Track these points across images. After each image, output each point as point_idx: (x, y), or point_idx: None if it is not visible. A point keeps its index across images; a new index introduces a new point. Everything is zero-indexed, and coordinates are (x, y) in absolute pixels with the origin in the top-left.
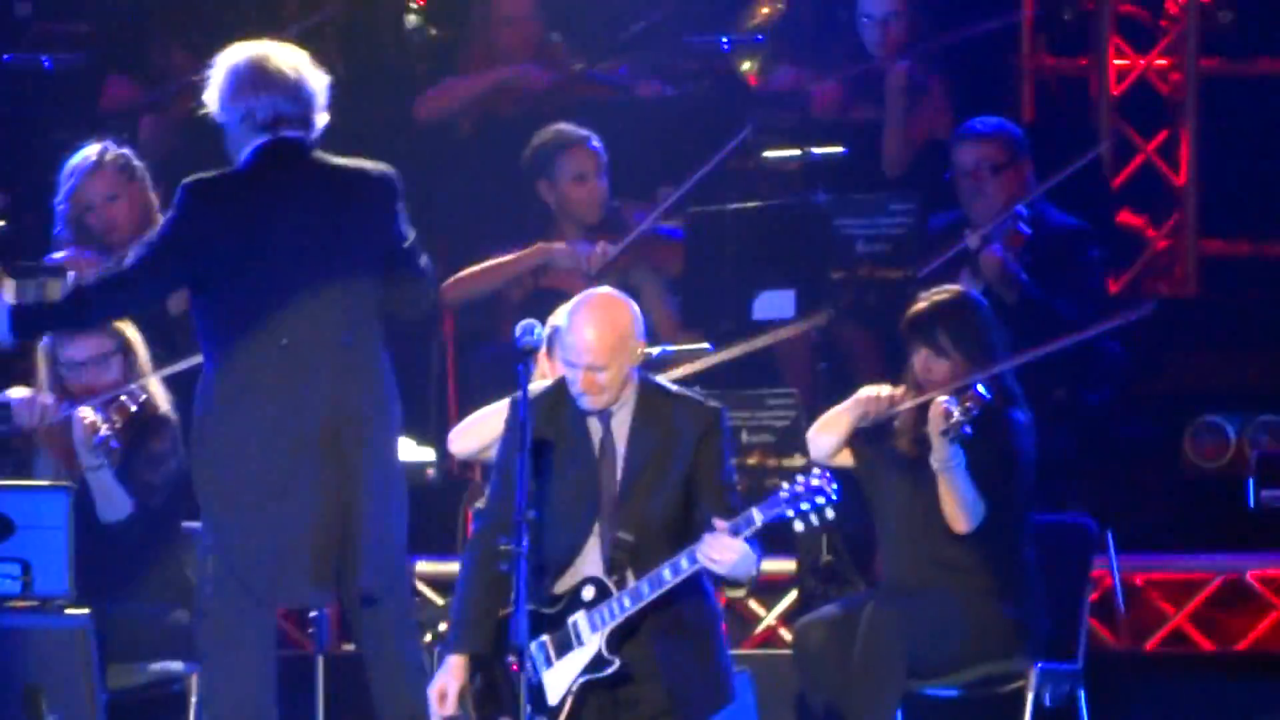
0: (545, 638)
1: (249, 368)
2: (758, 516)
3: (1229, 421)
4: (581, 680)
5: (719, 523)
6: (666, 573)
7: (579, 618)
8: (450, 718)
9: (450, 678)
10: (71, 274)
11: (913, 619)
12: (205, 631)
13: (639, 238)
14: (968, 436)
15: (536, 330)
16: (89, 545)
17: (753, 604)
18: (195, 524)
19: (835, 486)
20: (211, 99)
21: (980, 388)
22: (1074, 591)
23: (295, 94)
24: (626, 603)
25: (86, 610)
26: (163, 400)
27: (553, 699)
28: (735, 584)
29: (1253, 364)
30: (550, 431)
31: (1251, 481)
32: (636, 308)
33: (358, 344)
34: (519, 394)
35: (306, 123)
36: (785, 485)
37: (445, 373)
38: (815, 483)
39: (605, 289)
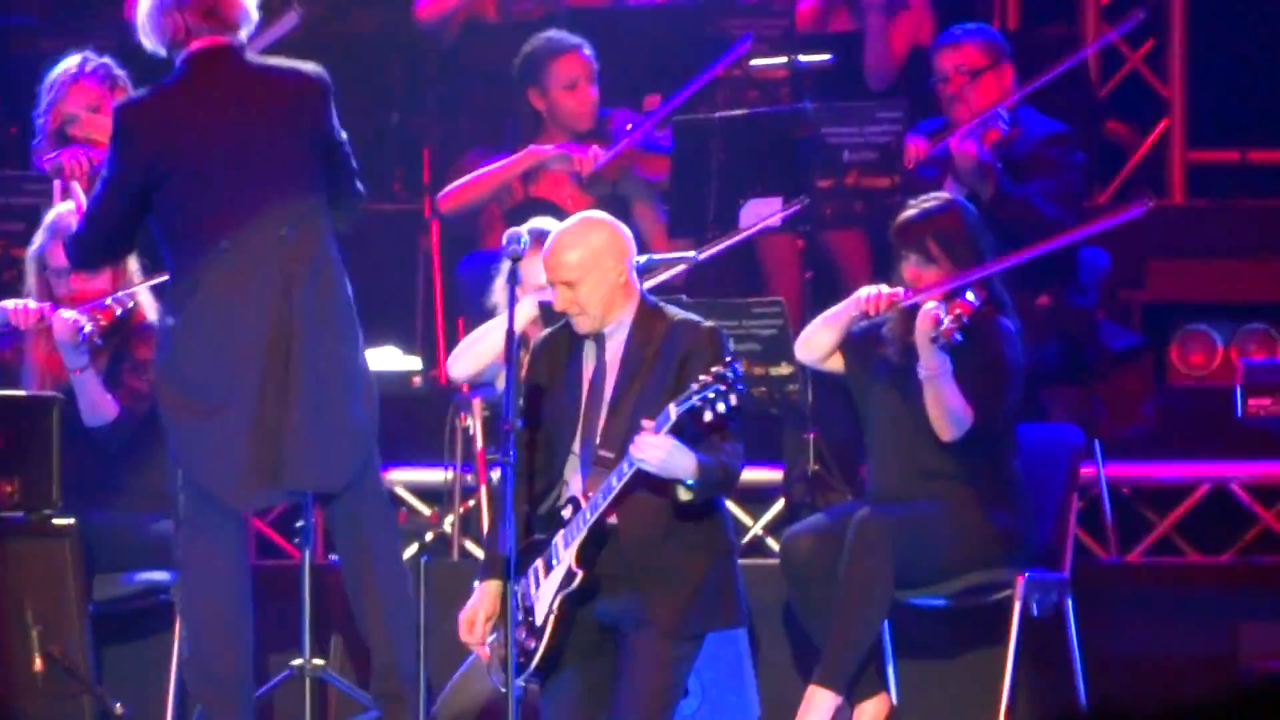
0: (538, 560)
1: (195, 275)
2: (673, 411)
3: (1216, 330)
4: (558, 596)
5: (645, 421)
6: (613, 480)
7: (558, 537)
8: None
9: (480, 604)
10: (58, 185)
11: (900, 528)
12: (179, 540)
13: (630, 145)
14: (957, 343)
15: (523, 239)
16: (74, 453)
17: (739, 513)
18: None
19: (737, 373)
20: (145, 38)
21: (969, 294)
22: (1061, 500)
23: (207, 6)
24: (587, 515)
25: (72, 520)
26: (150, 309)
27: (538, 619)
28: (683, 487)
29: (1241, 272)
30: (551, 362)
31: (1239, 390)
32: (624, 229)
33: (300, 238)
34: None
35: (231, 25)
36: (701, 377)
37: (431, 282)
38: (720, 370)
39: (591, 211)
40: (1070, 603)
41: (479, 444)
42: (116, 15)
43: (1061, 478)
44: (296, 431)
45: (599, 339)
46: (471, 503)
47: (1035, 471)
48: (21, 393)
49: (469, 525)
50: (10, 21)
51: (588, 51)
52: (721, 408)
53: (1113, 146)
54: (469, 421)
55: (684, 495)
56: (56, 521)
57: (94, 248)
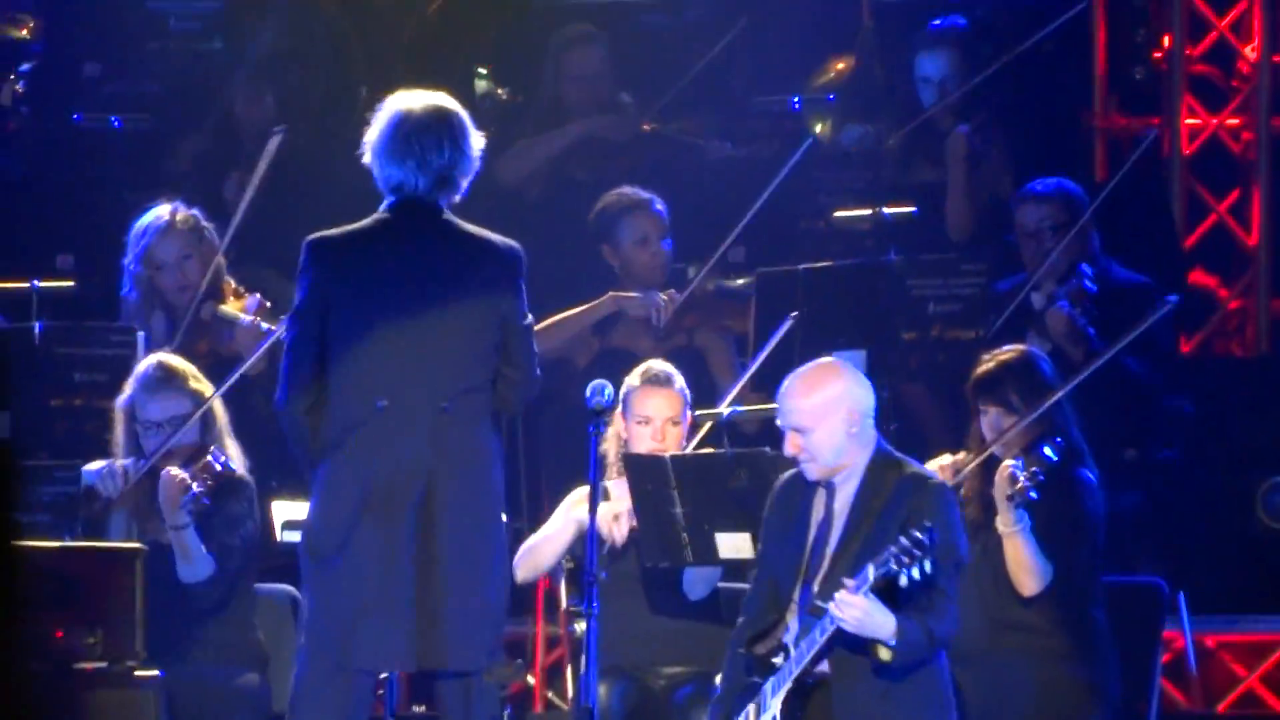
0: (750, 705)
1: (348, 425)
2: (870, 571)
3: None
4: None
5: (845, 580)
6: (816, 633)
7: (768, 685)
8: None
9: None
10: (142, 336)
11: (981, 683)
12: (293, 688)
13: (705, 294)
14: (1034, 500)
15: (607, 390)
16: (164, 607)
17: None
18: (267, 585)
19: (934, 540)
20: (368, 145)
21: (1046, 449)
22: (1145, 653)
23: (436, 162)
24: (793, 666)
25: (156, 672)
26: (239, 463)
27: None
28: (884, 647)
29: None
30: (785, 506)
31: None
32: (860, 379)
33: (458, 413)
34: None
35: (446, 185)
36: (896, 542)
37: (514, 435)
38: (918, 535)
39: (827, 359)
40: None
41: (563, 596)
42: (195, 170)
43: (1146, 630)
44: (435, 608)
45: (829, 486)
46: (556, 655)
47: (1120, 623)
48: (106, 544)
49: (553, 678)
50: (95, 172)
51: (659, 207)
52: (916, 574)
53: (1198, 298)
54: (554, 574)
55: (884, 655)
56: (139, 673)
57: (293, 382)
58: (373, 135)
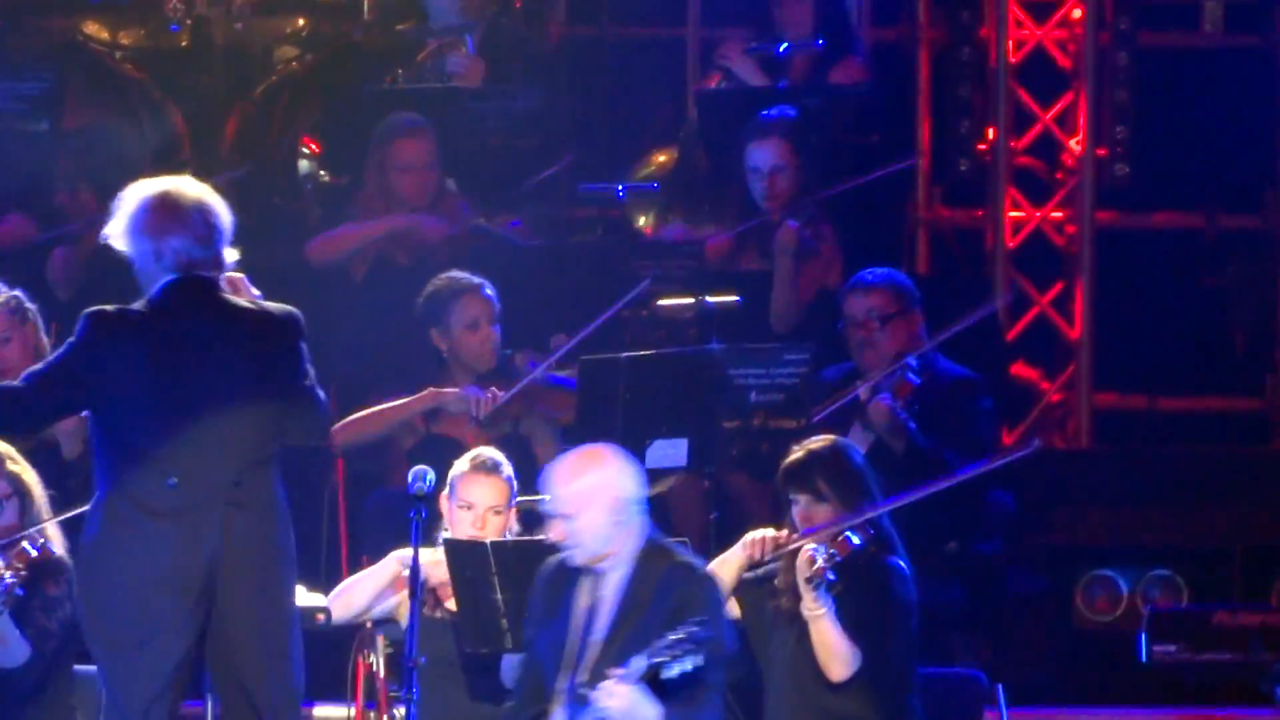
0: None
1: (135, 502)
2: (637, 663)
3: (1121, 576)
4: None
5: (611, 670)
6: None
7: None
8: None
9: None
10: None
11: None
12: None
13: (530, 384)
14: (833, 583)
15: (429, 476)
16: None
17: None
18: (85, 667)
19: (704, 636)
20: (116, 232)
21: (852, 535)
22: None
23: (203, 235)
24: None
25: None
26: (59, 544)
27: None
28: None
29: (1145, 518)
30: (550, 592)
31: (1143, 636)
32: (628, 465)
33: (248, 487)
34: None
35: (215, 262)
36: (664, 635)
37: (336, 517)
38: (693, 629)
39: (598, 445)
40: None
41: (381, 681)
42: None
43: None
44: (239, 684)
45: (597, 573)
46: None
47: (938, 715)
48: None
49: None
50: None
51: (489, 291)
52: (686, 666)
53: (1021, 390)
54: (372, 658)
55: None
56: None
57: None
58: (125, 220)
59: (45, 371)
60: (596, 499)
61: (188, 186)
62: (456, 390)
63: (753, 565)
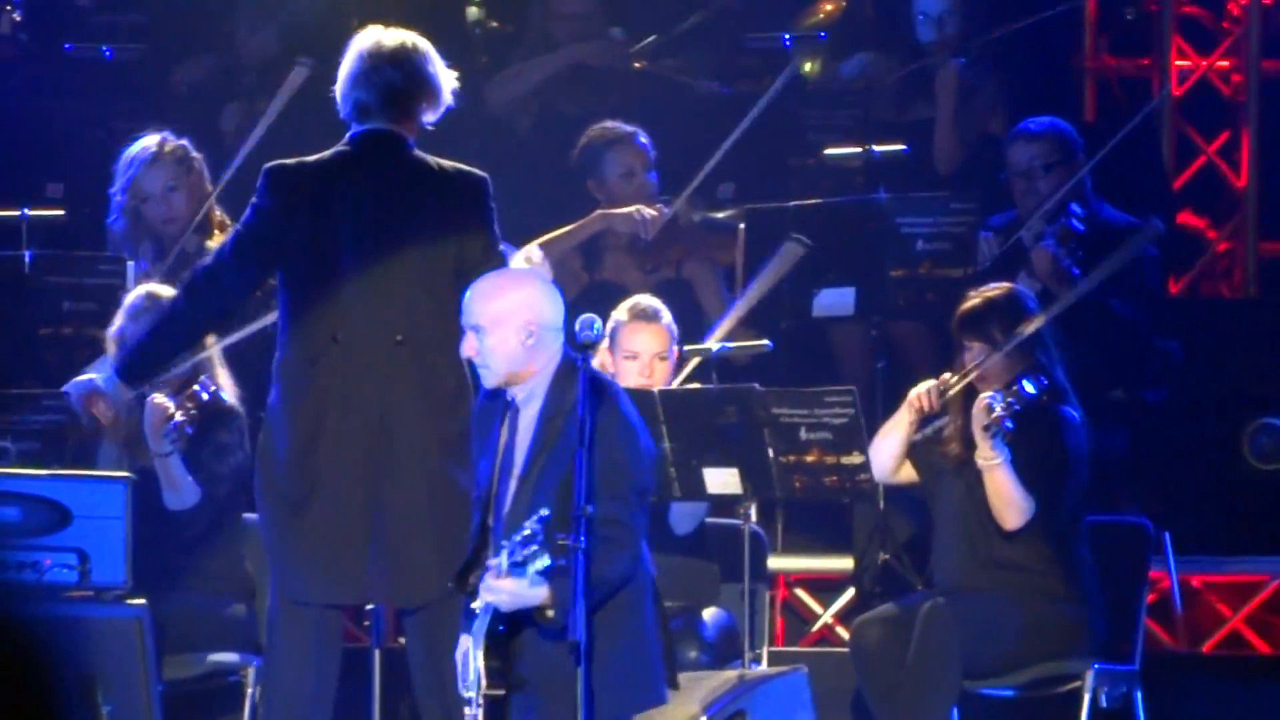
0: (467, 643)
1: (304, 360)
2: (504, 560)
3: None
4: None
5: (490, 561)
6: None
7: (473, 629)
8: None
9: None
10: (131, 265)
11: (968, 619)
12: (269, 623)
13: (691, 218)
14: (1010, 431)
15: (595, 325)
16: (151, 534)
17: (810, 602)
18: (256, 516)
19: (539, 534)
20: (338, 94)
21: (1027, 384)
22: (1131, 593)
23: (398, 91)
24: (481, 623)
25: (143, 601)
26: (230, 392)
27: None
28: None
29: None
30: (480, 428)
31: None
32: (550, 294)
33: (414, 346)
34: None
35: (407, 114)
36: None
37: None
38: (536, 528)
39: (526, 268)
40: (1139, 695)
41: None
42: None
43: (1131, 570)
44: (392, 542)
45: (513, 407)
46: None
47: (1105, 563)
48: (94, 473)
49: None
50: (86, 101)
51: (643, 140)
52: (546, 561)
53: (1186, 239)
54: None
55: (550, 615)
56: (128, 601)
57: (208, 305)
58: (341, 69)
59: (234, 244)
60: (509, 319)
61: (390, 38)
62: (625, 210)
63: (922, 418)
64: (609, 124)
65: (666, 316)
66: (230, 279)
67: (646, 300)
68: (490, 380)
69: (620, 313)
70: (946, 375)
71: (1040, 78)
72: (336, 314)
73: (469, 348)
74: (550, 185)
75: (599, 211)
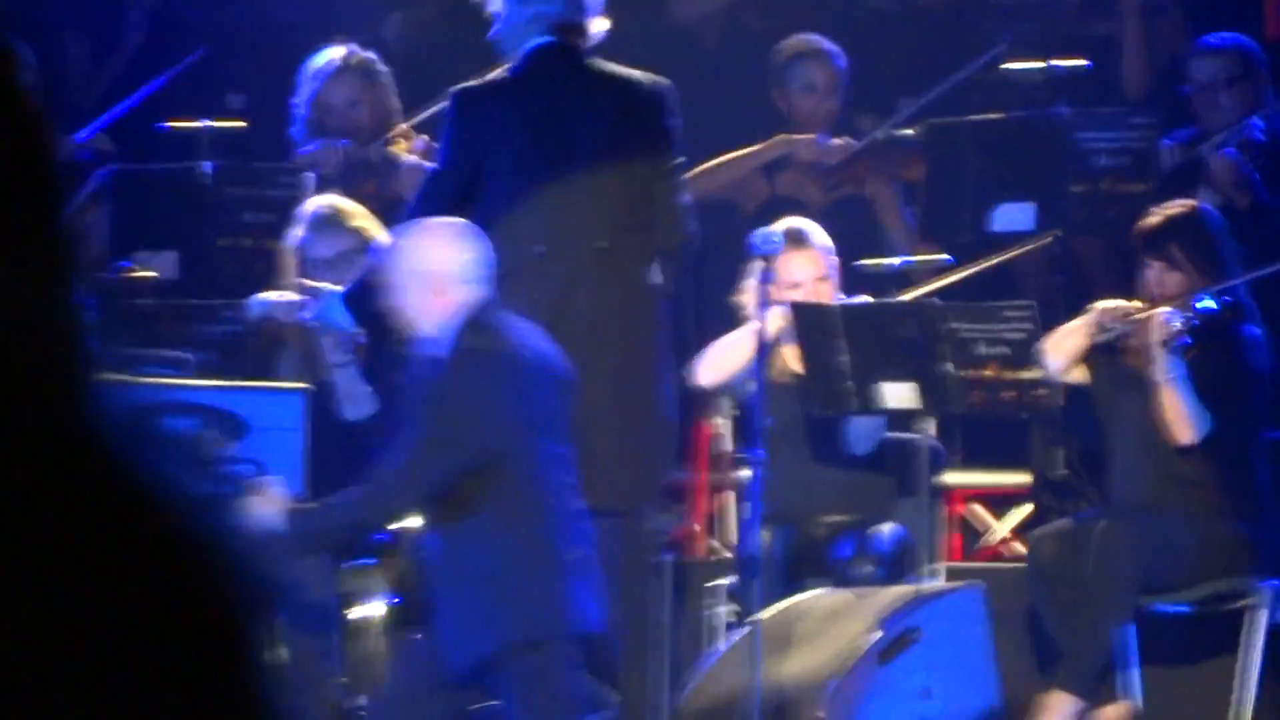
0: None
1: (507, 274)
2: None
3: None
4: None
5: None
6: None
7: None
8: None
9: None
10: (311, 177)
11: (1144, 534)
12: None
13: (875, 141)
14: (1187, 346)
15: (774, 237)
16: (330, 446)
17: (986, 516)
18: None
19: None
20: (495, 11)
21: (1207, 300)
22: None
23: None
24: None
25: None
26: None
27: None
28: None
29: None
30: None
31: None
32: (449, 241)
33: (617, 253)
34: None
35: (582, 29)
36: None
37: (681, 280)
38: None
39: (449, 223)
40: None
41: (727, 443)
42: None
43: None
44: (591, 445)
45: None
46: (719, 502)
47: None
48: (272, 384)
49: (715, 525)
50: (267, 12)
51: (839, 60)
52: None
53: None
54: (719, 420)
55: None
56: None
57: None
58: None
59: (432, 174)
60: (413, 278)
61: None
62: (809, 136)
63: (1101, 331)
64: (806, 36)
65: (819, 237)
66: (439, 211)
67: (795, 224)
68: (408, 330)
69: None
70: (1137, 303)
71: None
72: (536, 226)
73: (389, 300)
74: (736, 101)
75: (781, 136)
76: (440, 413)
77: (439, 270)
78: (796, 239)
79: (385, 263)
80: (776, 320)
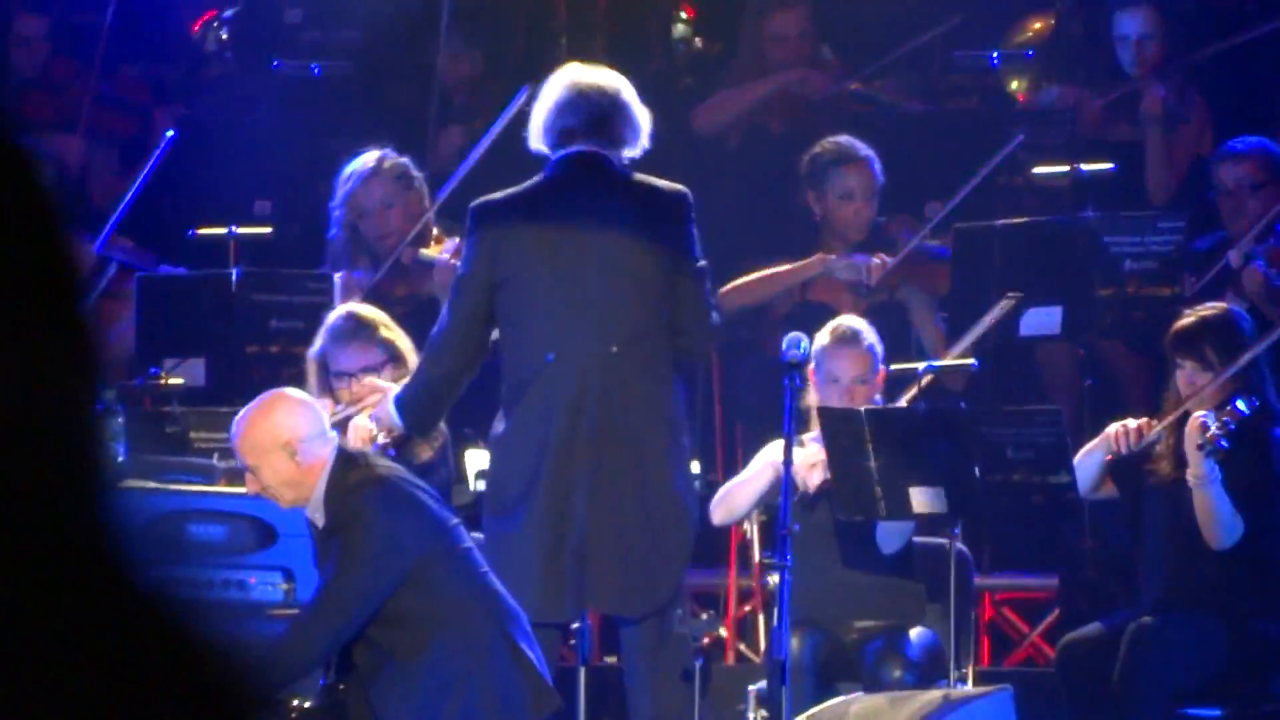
0: None
1: (521, 382)
2: None
3: None
4: None
5: None
6: None
7: None
8: None
9: None
10: (339, 280)
11: (1175, 639)
12: None
13: (911, 252)
14: (1224, 450)
15: (803, 344)
16: None
17: (1015, 621)
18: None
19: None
20: (534, 127)
21: (1240, 403)
22: None
23: (603, 115)
24: None
25: None
26: None
27: None
28: None
29: None
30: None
31: None
32: (296, 406)
33: (629, 358)
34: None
35: (612, 137)
36: None
37: (710, 384)
38: None
39: (279, 390)
40: None
41: (756, 548)
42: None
43: None
44: (611, 553)
45: (311, 523)
46: (748, 607)
47: None
48: None
49: (745, 630)
50: (294, 119)
51: (875, 165)
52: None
53: None
54: (746, 526)
55: None
56: None
57: (446, 348)
58: (542, 101)
59: (456, 285)
60: (271, 446)
61: (593, 72)
62: (845, 259)
63: (1116, 455)
64: (845, 140)
65: (870, 338)
66: (464, 326)
67: (849, 322)
68: (286, 506)
69: (823, 335)
70: (1148, 421)
71: (1250, 95)
72: (552, 332)
73: (252, 487)
74: (758, 204)
75: (819, 255)
76: (353, 552)
77: (295, 435)
78: (845, 337)
79: (234, 447)
80: (804, 452)
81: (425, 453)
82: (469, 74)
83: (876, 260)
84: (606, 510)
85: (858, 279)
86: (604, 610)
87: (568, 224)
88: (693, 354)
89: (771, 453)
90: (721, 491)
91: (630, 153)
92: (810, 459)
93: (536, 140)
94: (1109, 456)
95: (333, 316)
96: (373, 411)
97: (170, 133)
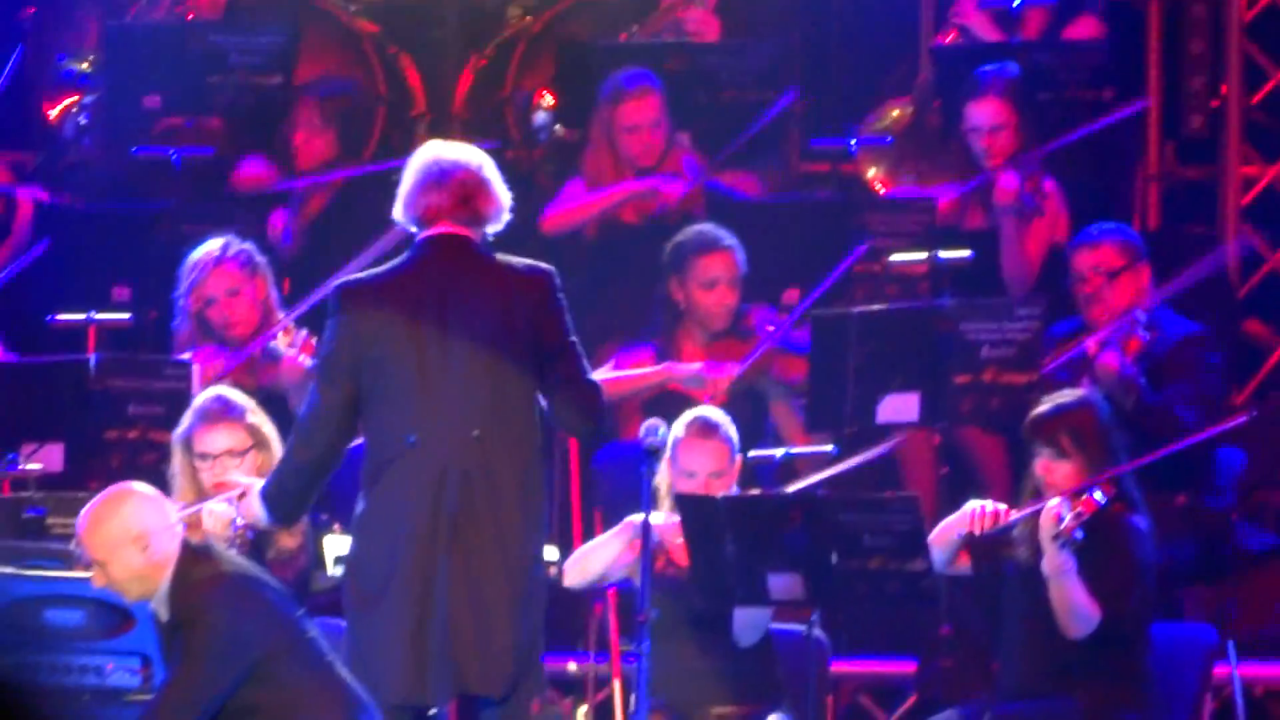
0: None
1: (381, 464)
2: None
3: None
4: None
5: None
6: None
7: None
8: None
9: None
10: (197, 370)
11: None
12: None
13: (765, 348)
14: (1079, 541)
15: (661, 430)
16: None
17: (871, 709)
18: (318, 619)
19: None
20: (398, 204)
21: (1096, 493)
22: (1194, 700)
23: (466, 193)
24: None
25: None
26: None
27: None
28: None
29: None
30: None
31: None
32: (142, 502)
33: (491, 441)
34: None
35: (475, 216)
36: None
37: (568, 470)
38: None
39: (126, 484)
40: None
41: (613, 635)
42: (255, 201)
43: (1195, 678)
44: (469, 636)
45: (159, 622)
46: (605, 692)
47: (1168, 671)
48: None
49: (602, 716)
50: (153, 206)
51: (738, 254)
52: None
53: (1251, 347)
54: (604, 612)
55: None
56: None
57: (316, 430)
58: (407, 179)
59: (320, 368)
60: (120, 541)
61: (455, 148)
62: (692, 367)
63: (972, 536)
64: (707, 228)
65: (727, 429)
66: (332, 408)
67: (707, 414)
68: (133, 600)
69: (679, 427)
70: (1007, 508)
71: (1103, 185)
72: (414, 414)
73: (99, 582)
74: (618, 292)
75: (666, 365)
76: (196, 648)
77: (145, 529)
78: (703, 429)
79: (81, 543)
80: (659, 521)
81: (288, 541)
82: (323, 154)
83: (724, 376)
84: (469, 591)
85: (702, 390)
86: (469, 690)
87: (430, 306)
88: (579, 432)
89: (632, 518)
90: (577, 553)
91: (494, 228)
92: (674, 529)
93: (400, 216)
94: (966, 532)
95: (200, 398)
96: (238, 508)
97: (43, 240)
